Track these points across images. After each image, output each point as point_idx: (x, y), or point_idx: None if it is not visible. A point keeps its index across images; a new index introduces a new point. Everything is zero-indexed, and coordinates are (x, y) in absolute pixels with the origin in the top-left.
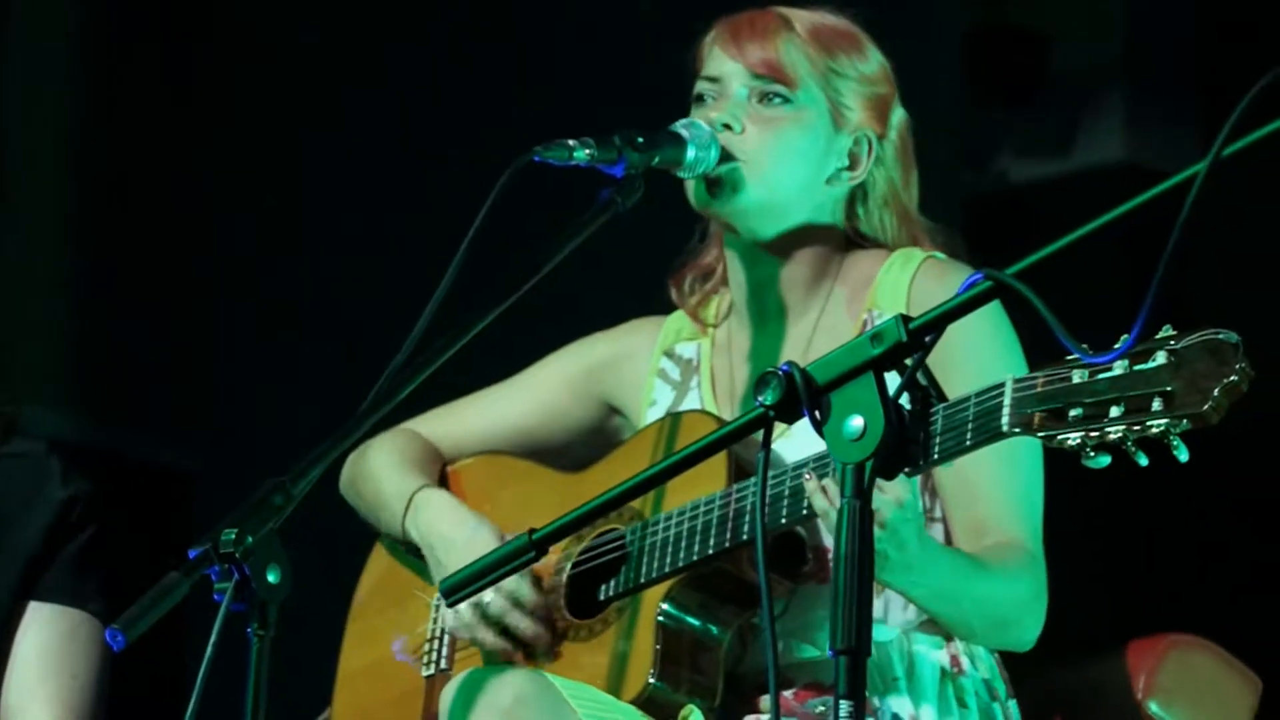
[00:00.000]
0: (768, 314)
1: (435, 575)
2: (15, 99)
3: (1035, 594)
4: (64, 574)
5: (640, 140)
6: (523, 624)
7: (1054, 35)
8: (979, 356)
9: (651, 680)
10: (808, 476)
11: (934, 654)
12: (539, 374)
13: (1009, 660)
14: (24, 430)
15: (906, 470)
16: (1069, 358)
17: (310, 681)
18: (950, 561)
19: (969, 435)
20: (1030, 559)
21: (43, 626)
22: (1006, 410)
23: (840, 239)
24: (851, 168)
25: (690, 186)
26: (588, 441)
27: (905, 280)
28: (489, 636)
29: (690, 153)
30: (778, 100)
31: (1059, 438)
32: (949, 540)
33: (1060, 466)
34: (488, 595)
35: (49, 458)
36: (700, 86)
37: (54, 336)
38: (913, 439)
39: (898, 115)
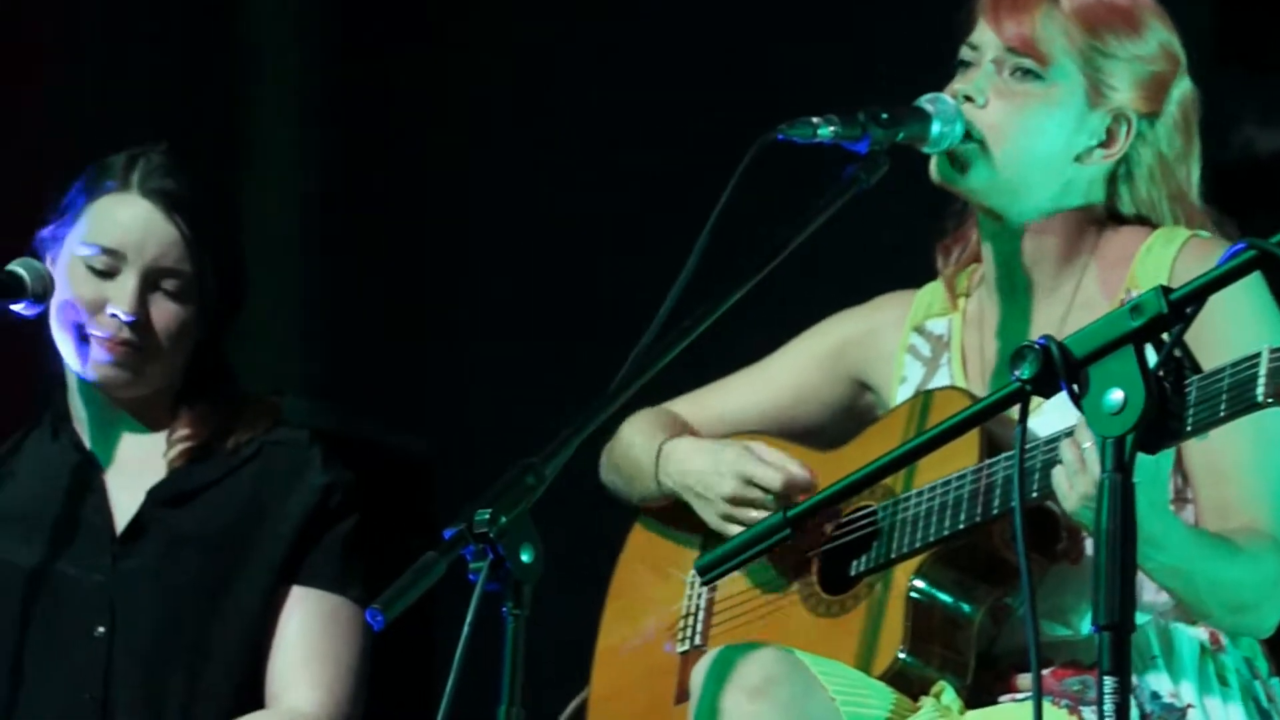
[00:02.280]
0: (1018, 289)
1: (699, 511)
2: (257, 110)
3: (1277, 580)
4: (327, 560)
5: (885, 116)
6: (766, 475)
7: None
8: (1239, 328)
9: (901, 655)
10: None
11: (1192, 631)
12: (789, 354)
13: (1272, 637)
14: (286, 420)
15: (1164, 444)
16: None
17: (571, 660)
18: (1187, 539)
19: (1223, 406)
20: (1275, 544)
21: (306, 611)
22: (1261, 380)
23: (1097, 215)
24: (1107, 145)
25: (932, 162)
26: (841, 420)
27: (1168, 258)
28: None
29: (935, 128)
30: (1027, 75)
31: None
32: (1197, 521)
33: None
34: (727, 487)
35: (310, 446)
36: (963, 52)
37: (296, 330)
38: (1172, 412)
39: (1180, 89)
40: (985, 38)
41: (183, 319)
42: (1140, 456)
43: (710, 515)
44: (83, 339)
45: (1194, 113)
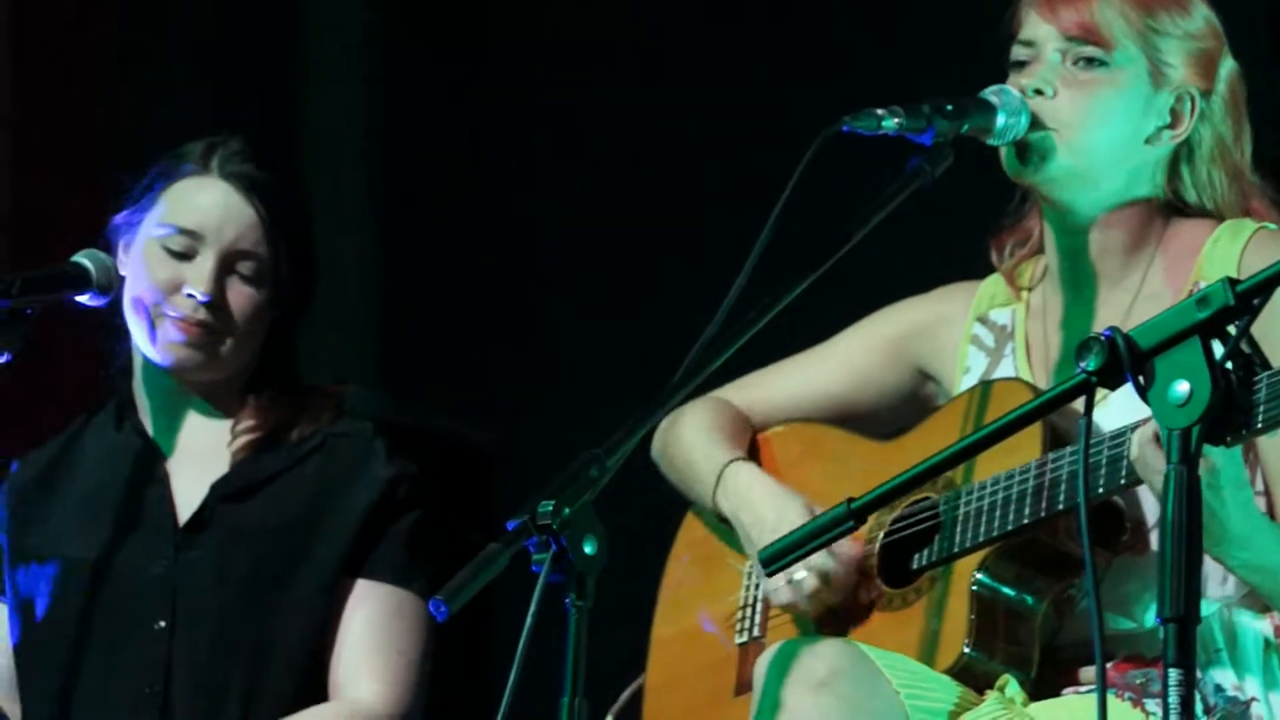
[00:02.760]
0: (1082, 281)
1: (745, 548)
2: (318, 98)
3: None
4: (392, 553)
5: (949, 108)
6: (833, 599)
7: None
8: None
9: (966, 650)
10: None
11: (1256, 624)
12: (850, 340)
13: None
14: (350, 411)
15: (1229, 439)
16: None
17: (623, 647)
18: (1272, 536)
19: None
20: None
21: (371, 604)
22: None
23: (1161, 206)
24: (1173, 126)
25: (1003, 154)
26: (900, 408)
27: (1236, 251)
28: (803, 605)
29: (1000, 119)
30: (1093, 63)
31: None
32: (1271, 514)
33: None
34: (800, 572)
35: (375, 438)
36: (1015, 51)
37: (360, 321)
38: (1239, 406)
39: (1226, 68)
40: (1041, 31)
41: (257, 303)
42: (1230, 460)
43: (754, 554)
44: (155, 321)
45: (1241, 89)
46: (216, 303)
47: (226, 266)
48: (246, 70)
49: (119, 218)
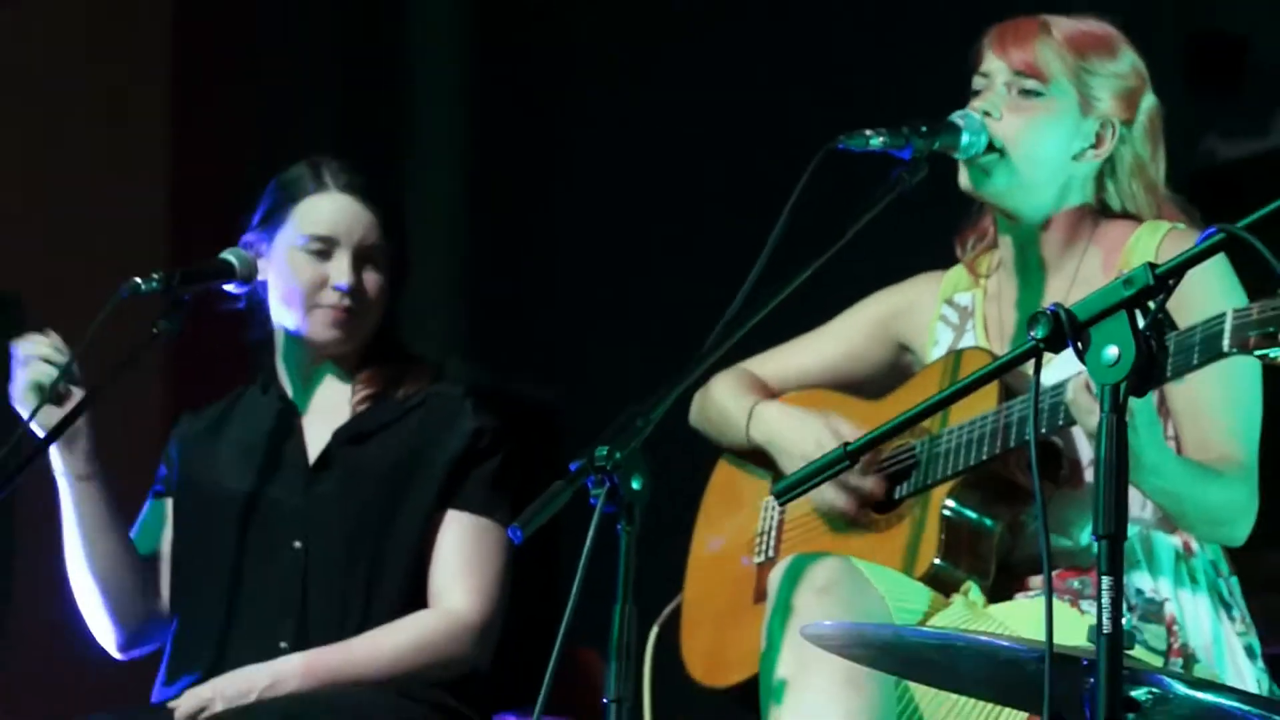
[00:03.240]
0: (1030, 269)
1: (780, 463)
2: (419, 104)
3: (1247, 501)
4: (479, 489)
5: (924, 129)
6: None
7: (1253, 36)
8: (1209, 294)
9: (937, 561)
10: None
11: (1169, 539)
12: (844, 321)
13: None
14: (448, 377)
15: (1146, 388)
16: None
17: (670, 567)
18: (1179, 467)
19: (1196, 355)
20: (1245, 471)
21: (461, 529)
22: (1227, 334)
23: (1092, 211)
24: (1096, 146)
25: (961, 173)
26: (884, 375)
27: (1154, 245)
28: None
29: (965, 138)
30: (1032, 94)
31: (1271, 355)
32: (1180, 454)
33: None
34: (809, 447)
35: (465, 397)
36: (975, 81)
37: (449, 298)
38: (1157, 362)
39: (1147, 102)
40: (994, 66)
41: (381, 285)
42: (1144, 405)
43: (788, 467)
44: (308, 313)
45: (1159, 120)
46: (355, 290)
47: (359, 259)
48: (355, 77)
49: (250, 236)
